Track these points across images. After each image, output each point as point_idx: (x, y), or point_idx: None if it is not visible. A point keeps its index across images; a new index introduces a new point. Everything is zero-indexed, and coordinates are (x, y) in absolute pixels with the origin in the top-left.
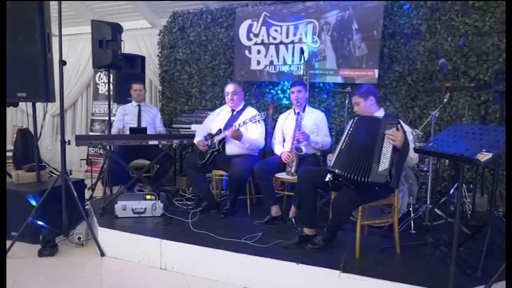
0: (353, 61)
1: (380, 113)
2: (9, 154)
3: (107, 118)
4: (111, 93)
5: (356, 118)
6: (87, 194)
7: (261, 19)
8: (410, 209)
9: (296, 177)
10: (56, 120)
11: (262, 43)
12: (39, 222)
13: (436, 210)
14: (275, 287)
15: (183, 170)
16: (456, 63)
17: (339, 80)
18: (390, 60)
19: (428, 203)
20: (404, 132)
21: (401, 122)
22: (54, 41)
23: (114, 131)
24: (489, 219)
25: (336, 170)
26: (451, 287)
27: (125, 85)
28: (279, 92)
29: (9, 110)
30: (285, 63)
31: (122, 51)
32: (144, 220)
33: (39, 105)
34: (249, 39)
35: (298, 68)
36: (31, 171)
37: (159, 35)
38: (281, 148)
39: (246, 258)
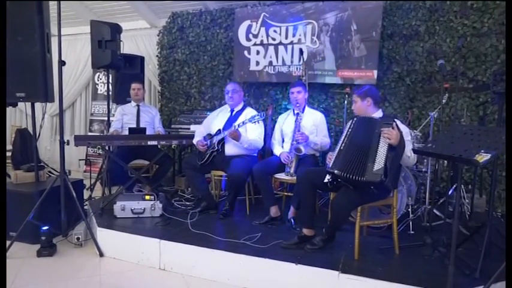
0: (352, 62)
1: (378, 114)
2: (8, 154)
3: (106, 118)
4: (110, 93)
5: (355, 119)
6: (86, 194)
7: (260, 20)
8: (409, 209)
9: (295, 177)
10: (54, 120)
11: (262, 44)
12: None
13: (434, 211)
14: None
15: (182, 170)
16: (455, 64)
17: (338, 80)
18: (389, 61)
19: (427, 203)
20: (400, 131)
21: (398, 122)
22: (54, 41)
23: (110, 131)
24: (488, 220)
25: (335, 171)
26: (450, 287)
27: (123, 85)
28: (278, 92)
29: (8, 110)
30: (284, 63)
31: (121, 52)
32: (143, 220)
33: (38, 105)
34: (248, 39)
35: (297, 68)
36: (30, 172)
37: (158, 36)
38: (280, 149)
39: (245, 259)
